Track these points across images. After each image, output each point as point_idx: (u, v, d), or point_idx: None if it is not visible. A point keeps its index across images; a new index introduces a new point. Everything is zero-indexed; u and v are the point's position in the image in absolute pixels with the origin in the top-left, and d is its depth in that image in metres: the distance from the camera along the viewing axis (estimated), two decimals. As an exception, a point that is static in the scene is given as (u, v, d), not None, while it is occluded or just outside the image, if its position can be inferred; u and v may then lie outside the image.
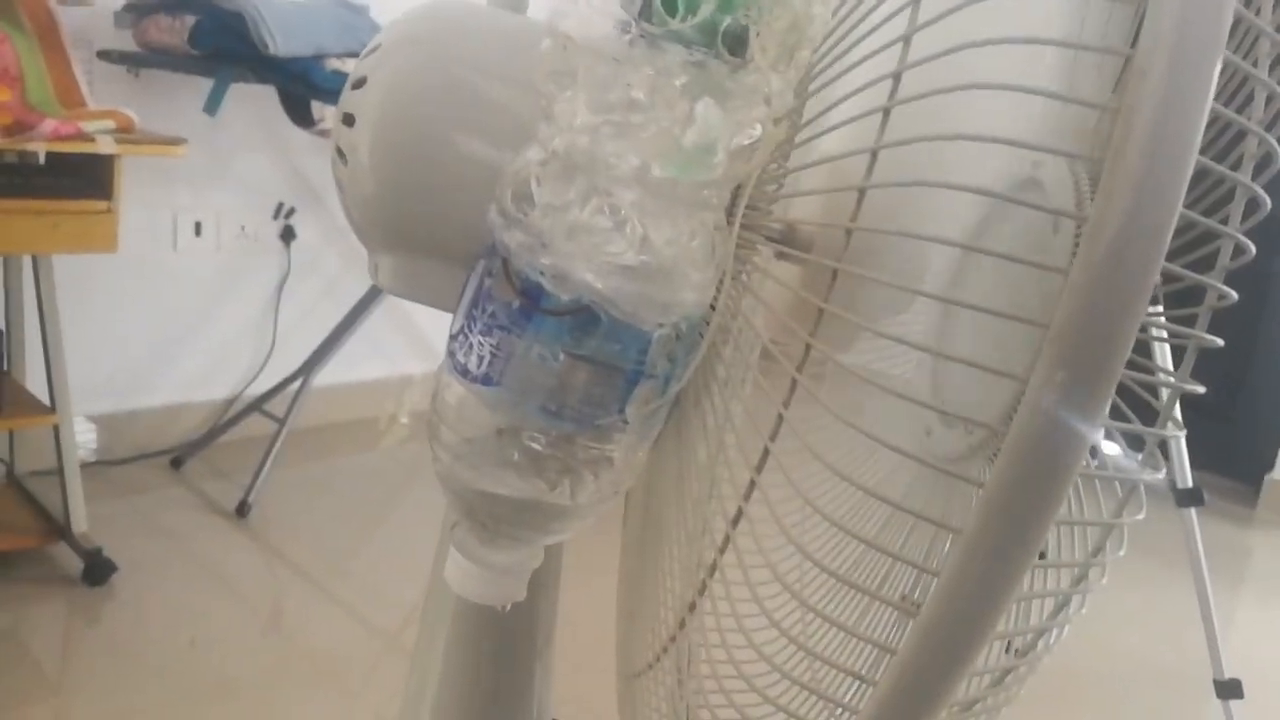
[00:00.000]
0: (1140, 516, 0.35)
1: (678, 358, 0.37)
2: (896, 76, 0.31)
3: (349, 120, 0.44)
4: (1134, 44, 0.26)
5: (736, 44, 0.34)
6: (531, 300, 0.35)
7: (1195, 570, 1.54)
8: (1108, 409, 0.27)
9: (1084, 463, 0.48)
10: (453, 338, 0.38)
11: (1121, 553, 0.35)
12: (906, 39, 0.31)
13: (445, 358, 0.38)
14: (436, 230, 0.45)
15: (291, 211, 2.25)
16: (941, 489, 0.53)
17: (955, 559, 0.27)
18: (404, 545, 2.02)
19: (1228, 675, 1.56)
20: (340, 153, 0.45)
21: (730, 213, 0.39)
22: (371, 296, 2.10)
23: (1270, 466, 3.04)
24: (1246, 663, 1.78)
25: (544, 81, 0.35)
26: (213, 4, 1.78)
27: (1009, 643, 0.43)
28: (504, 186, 0.36)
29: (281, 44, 1.73)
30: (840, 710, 0.34)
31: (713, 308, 0.39)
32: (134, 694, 1.45)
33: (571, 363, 0.35)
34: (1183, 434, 0.32)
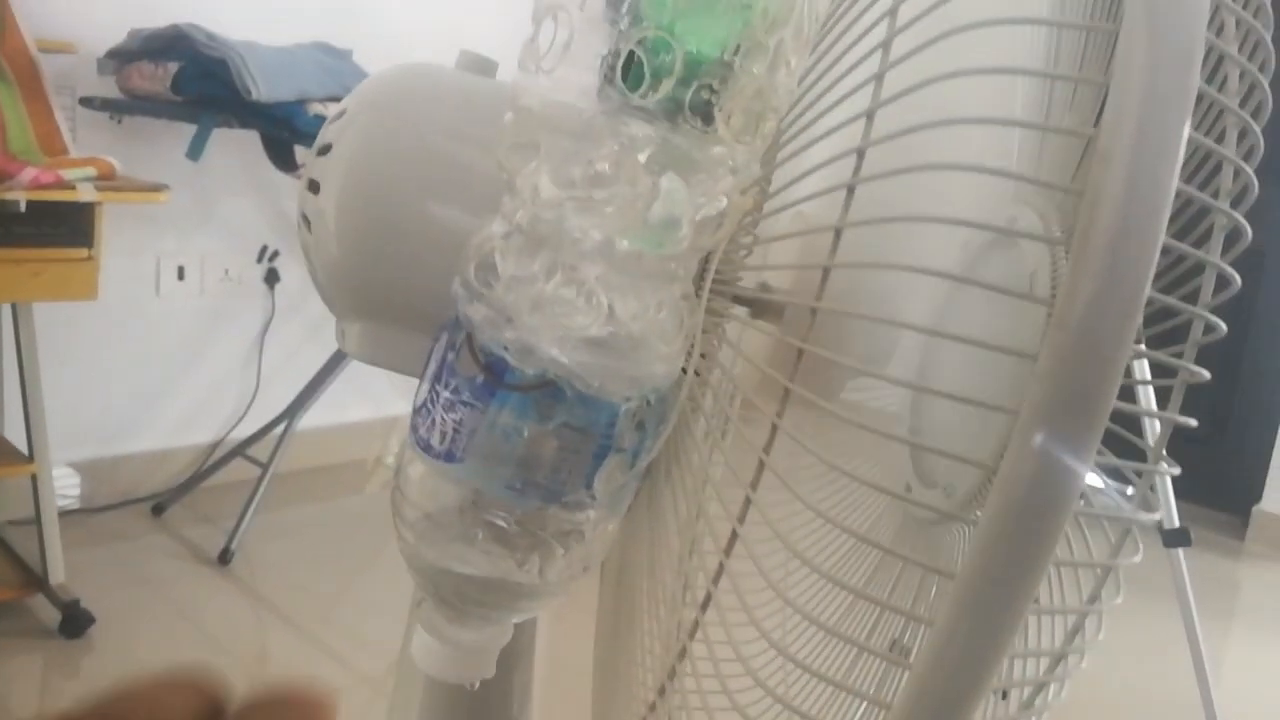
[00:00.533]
0: (1137, 559, 0.34)
1: (647, 429, 0.36)
2: (860, 153, 0.31)
3: (314, 187, 0.44)
4: (1097, 121, 0.25)
5: (702, 115, 0.33)
6: (495, 375, 0.34)
7: (1184, 613, 1.53)
8: (1083, 485, 0.27)
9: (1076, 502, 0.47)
10: (415, 412, 0.37)
11: (1119, 600, 0.34)
12: (870, 114, 0.31)
13: (409, 433, 0.37)
14: (402, 298, 0.44)
15: (275, 255, 2.24)
16: (923, 544, 0.52)
17: (949, 604, 0.26)
18: (390, 590, 1.99)
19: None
20: (305, 219, 0.44)
21: (699, 281, 0.38)
22: (356, 339, 2.08)
23: (1258, 498, 3.03)
24: (1236, 698, 1.76)
25: (506, 155, 0.34)
26: (196, 51, 1.79)
27: (1004, 692, 0.42)
28: (467, 259, 0.35)
29: (265, 90, 1.73)
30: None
31: (684, 374, 0.39)
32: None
33: (537, 438, 0.34)
34: (1176, 471, 0.31)
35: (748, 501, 0.40)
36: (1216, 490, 3.10)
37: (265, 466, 2.01)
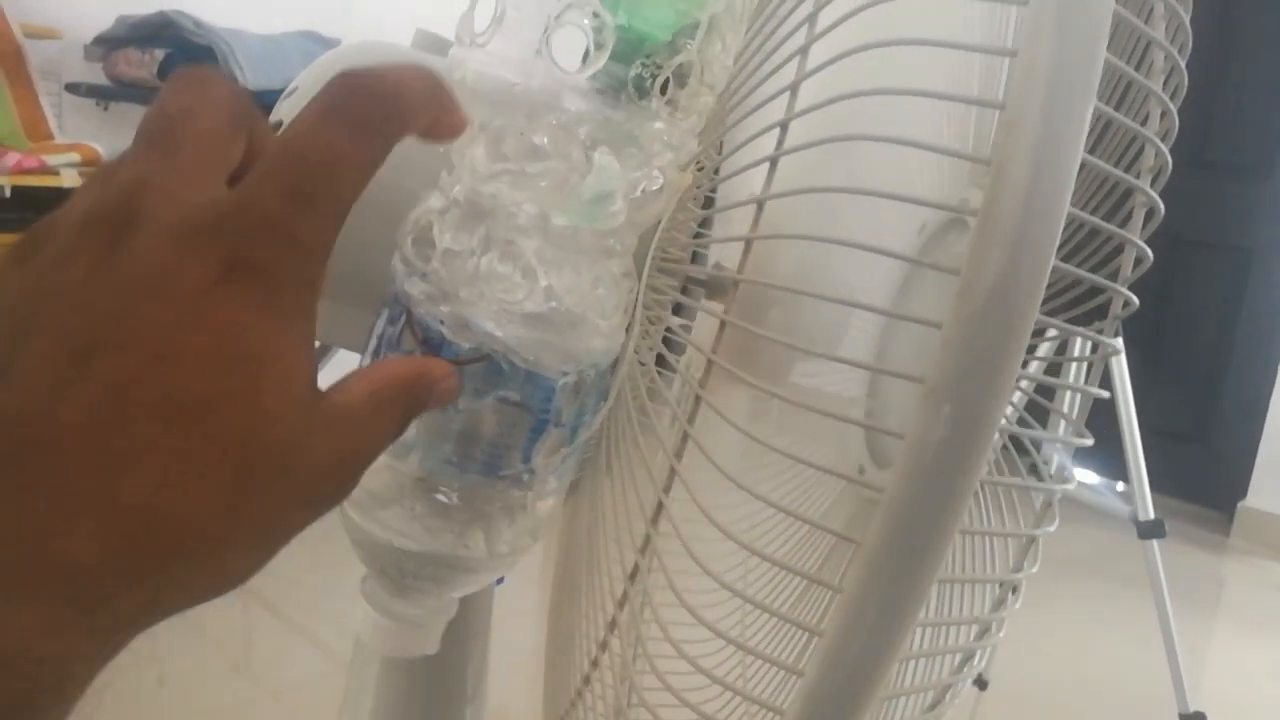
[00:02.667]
0: (1052, 528, 0.34)
1: (587, 405, 0.36)
2: (783, 126, 0.31)
3: (266, 164, 0.44)
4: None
5: (641, 93, 0.34)
6: (433, 349, 0.35)
7: (1158, 602, 1.54)
8: (987, 460, 0.27)
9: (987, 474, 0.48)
10: (358, 386, 0.37)
11: (1035, 569, 0.35)
12: (794, 88, 0.31)
13: (351, 407, 0.38)
14: (351, 273, 0.44)
15: (263, 243, 2.24)
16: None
17: (856, 571, 0.26)
18: (375, 580, 1.98)
19: (1192, 709, 1.56)
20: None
21: (640, 259, 0.38)
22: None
23: (1243, 494, 3.05)
24: (1218, 693, 1.77)
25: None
26: (183, 38, 1.78)
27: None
28: (405, 234, 0.35)
29: (252, 78, 1.73)
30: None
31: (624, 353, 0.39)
32: (93, 735, 1.42)
33: (474, 412, 0.35)
34: (1089, 441, 0.31)
35: (671, 471, 0.40)
36: (1202, 486, 3.11)
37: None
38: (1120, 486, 3.17)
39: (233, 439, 0.23)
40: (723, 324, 0.34)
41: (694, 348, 0.42)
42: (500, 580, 0.50)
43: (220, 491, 0.22)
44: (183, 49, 1.78)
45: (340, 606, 1.91)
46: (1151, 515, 1.52)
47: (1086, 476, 3.16)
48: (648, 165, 0.34)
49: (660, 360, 0.44)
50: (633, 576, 0.42)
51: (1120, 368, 1.56)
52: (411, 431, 0.35)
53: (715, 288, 0.45)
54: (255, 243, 0.23)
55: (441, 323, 0.34)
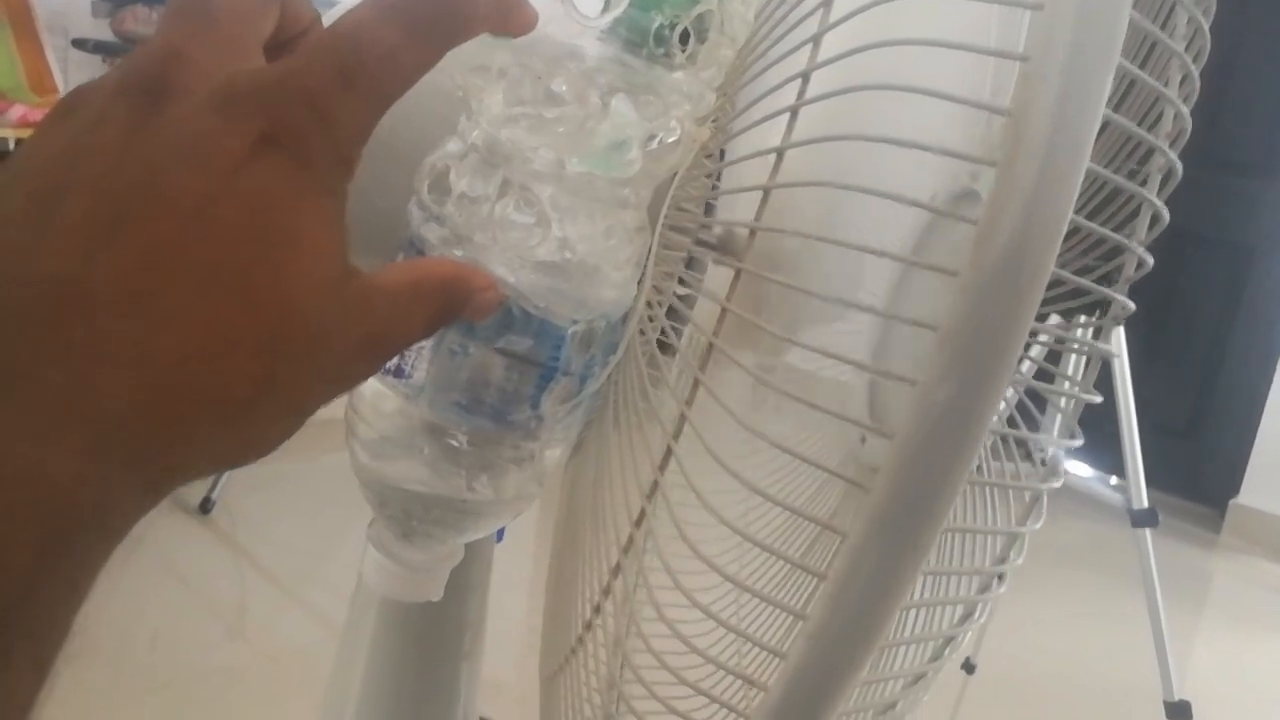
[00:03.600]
0: (1038, 526, 0.34)
1: (595, 356, 0.37)
2: (805, 76, 0.31)
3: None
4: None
5: (661, 43, 0.34)
6: (446, 293, 0.35)
7: (1148, 590, 1.55)
8: (998, 409, 0.27)
9: (995, 473, 0.48)
10: (370, 330, 0.37)
11: (1020, 561, 0.35)
12: (816, 39, 0.31)
13: (362, 350, 0.38)
14: (366, 221, 0.44)
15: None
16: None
17: (841, 562, 0.27)
18: (368, 547, 1.99)
19: (1179, 697, 1.57)
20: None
21: (655, 212, 0.38)
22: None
23: (1235, 491, 3.06)
24: (1204, 687, 1.78)
25: (464, 75, 0.34)
26: (190, -3, 1.77)
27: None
28: (421, 178, 0.35)
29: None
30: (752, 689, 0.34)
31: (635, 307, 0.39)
32: (92, 692, 1.43)
33: (485, 357, 0.35)
34: (1079, 442, 0.32)
35: (668, 451, 0.40)
36: (1194, 483, 3.12)
37: (248, 419, 2.01)
38: (1113, 480, 3.18)
39: (264, 308, 0.23)
40: (735, 280, 0.34)
41: (694, 326, 0.42)
42: (500, 534, 0.51)
43: (251, 358, 0.23)
44: (191, 8, 1.77)
45: (335, 572, 1.91)
46: (1145, 504, 1.53)
47: (1079, 469, 3.17)
48: (665, 115, 0.34)
49: (671, 317, 0.44)
50: (627, 549, 0.42)
51: (1120, 360, 1.57)
52: (422, 374, 0.35)
53: (726, 247, 0.45)
54: (293, 116, 0.23)
55: (455, 267, 0.34)
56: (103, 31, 1.88)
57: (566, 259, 0.35)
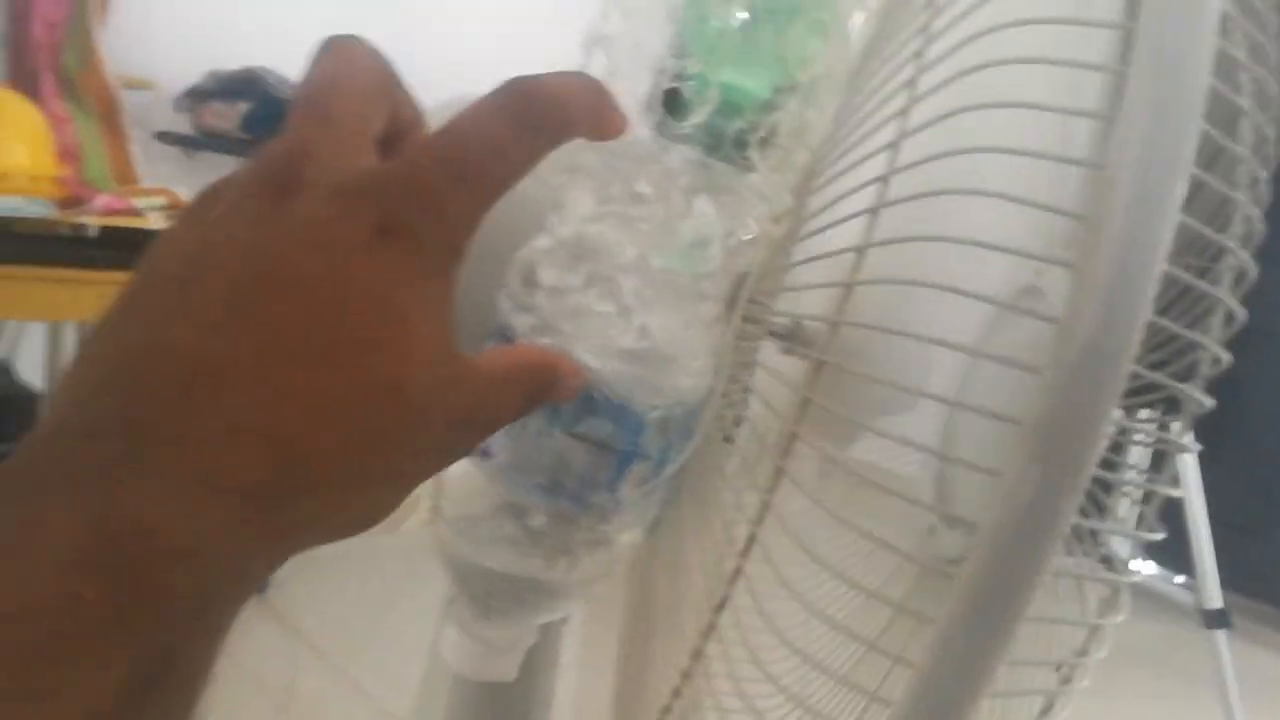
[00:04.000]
0: (1119, 619, 0.34)
1: (672, 441, 0.38)
2: (885, 179, 0.33)
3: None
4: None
5: (740, 148, 0.36)
6: (533, 380, 0.36)
7: (1223, 695, 1.49)
8: (1079, 501, 0.28)
9: (1073, 563, 0.48)
10: (457, 414, 0.39)
11: (1102, 654, 0.35)
12: (896, 144, 0.33)
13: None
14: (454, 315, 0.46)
15: (329, 292, 2.30)
16: (944, 589, 0.52)
17: (929, 649, 0.27)
18: (422, 630, 1.98)
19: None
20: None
21: (732, 305, 0.40)
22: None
23: (1307, 590, 2.94)
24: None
25: (554, 174, 0.37)
26: (267, 93, 1.86)
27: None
28: (513, 271, 0.37)
29: (330, 132, 1.80)
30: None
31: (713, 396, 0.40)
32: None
33: (567, 441, 0.36)
34: (1160, 536, 0.32)
35: (751, 539, 0.41)
36: (1263, 581, 3.01)
37: (305, 498, 2.03)
38: (1179, 579, 3.08)
39: (377, 383, 0.25)
40: (817, 371, 0.36)
41: (772, 411, 0.43)
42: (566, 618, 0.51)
43: (362, 430, 0.24)
44: (265, 102, 1.86)
45: (385, 652, 1.91)
46: (1219, 604, 1.48)
47: (1145, 567, 3.08)
48: (743, 215, 0.36)
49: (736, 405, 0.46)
50: (708, 635, 0.42)
51: (1188, 456, 1.54)
52: (506, 456, 0.37)
53: (796, 337, 0.46)
54: (407, 208, 0.25)
55: (542, 355, 0.36)
56: (183, 125, 1.97)
57: (646, 348, 0.36)
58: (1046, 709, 0.39)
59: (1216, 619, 1.48)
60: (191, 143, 1.97)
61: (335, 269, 0.24)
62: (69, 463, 0.22)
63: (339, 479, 0.25)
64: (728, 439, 0.45)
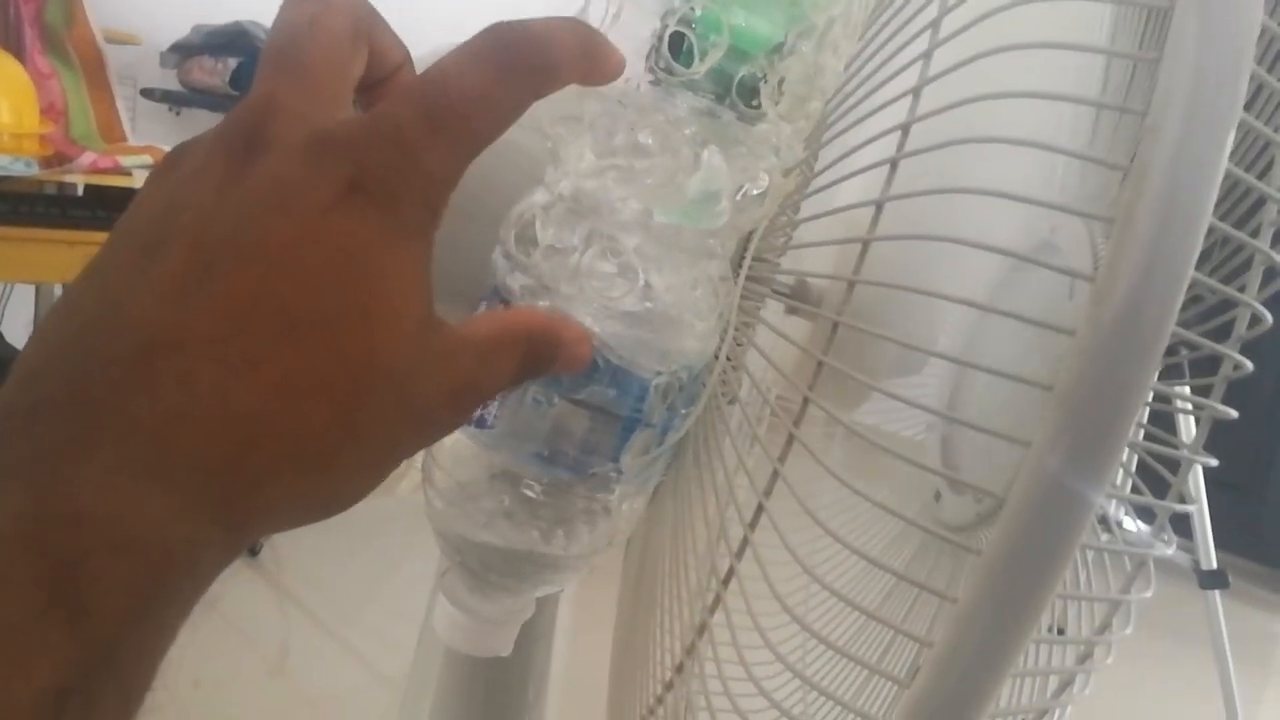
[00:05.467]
0: (1148, 594, 0.33)
1: (676, 407, 0.36)
2: (905, 129, 0.31)
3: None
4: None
5: (749, 95, 0.34)
6: (529, 343, 0.35)
7: (1219, 657, 1.49)
8: (1115, 475, 0.26)
9: (1090, 534, 0.47)
10: (450, 379, 0.37)
11: (1129, 630, 0.34)
12: (916, 91, 0.31)
13: (442, 399, 0.38)
14: (443, 270, 0.44)
15: (321, 253, 2.27)
16: (948, 557, 0.51)
17: (950, 629, 0.26)
18: (415, 594, 1.98)
19: (1252, 768, 1.50)
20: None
21: (737, 264, 0.38)
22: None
23: (1301, 551, 2.96)
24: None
25: (552, 125, 0.35)
26: (255, 47, 1.82)
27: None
28: (508, 228, 0.35)
29: (319, 89, 1.76)
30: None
31: (716, 359, 0.38)
32: (132, 730, 1.43)
33: (567, 408, 0.34)
34: (1193, 508, 0.30)
35: (760, 507, 0.39)
36: (1257, 541, 3.02)
37: (298, 461, 2.02)
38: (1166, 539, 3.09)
39: (347, 356, 0.23)
40: (832, 333, 0.34)
41: (785, 377, 0.42)
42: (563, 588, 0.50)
43: (332, 407, 0.23)
44: (254, 58, 1.81)
45: (377, 616, 1.91)
46: (1214, 565, 1.48)
47: (1134, 526, 3.09)
48: (753, 167, 0.34)
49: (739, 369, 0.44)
50: (714, 608, 0.41)
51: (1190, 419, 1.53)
52: (503, 425, 0.35)
53: (801, 297, 0.45)
54: (380, 163, 0.23)
55: (540, 317, 0.34)
56: (170, 81, 1.93)
57: (650, 309, 0.34)
58: (1062, 687, 0.38)
59: (1213, 579, 1.48)
60: (179, 99, 1.93)
61: (304, 232, 0.23)
62: (10, 447, 0.20)
63: (307, 462, 0.23)
64: (731, 401, 0.43)
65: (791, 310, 0.47)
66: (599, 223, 0.34)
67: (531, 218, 0.35)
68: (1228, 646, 1.49)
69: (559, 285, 0.34)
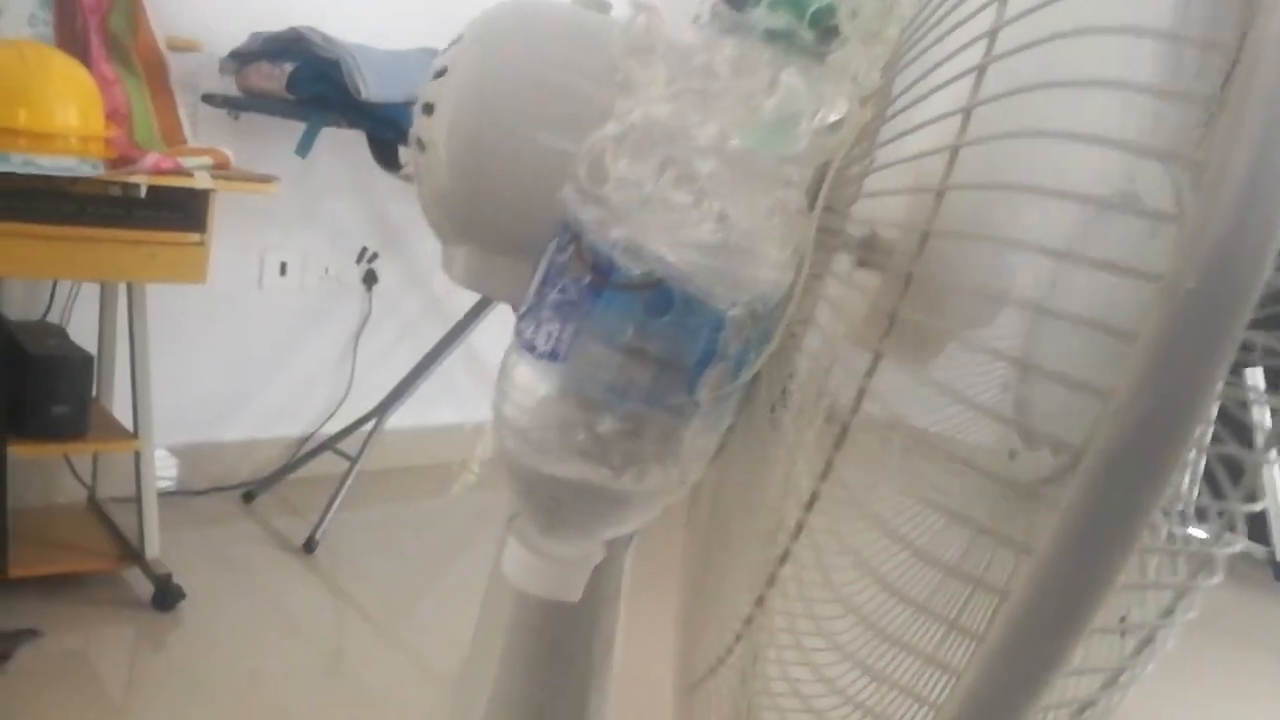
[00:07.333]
0: (1215, 581, 0.32)
1: (751, 341, 0.36)
2: (980, 70, 0.30)
3: (429, 109, 0.44)
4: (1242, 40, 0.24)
5: (828, 18, 0.33)
6: (602, 275, 0.34)
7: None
8: (1202, 432, 0.25)
9: (1169, 494, 0.45)
10: (521, 316, 0.37)
11: (1191, 614, 0.32)
12: (993, 34, 0.30)
13: (513, 337, 0.38)
14: (509, 224, 0.44)
15: (374, 256, 2.30)
16: (1023, 515, 0.50)
17: (1027, 581, 0.25)
18: (467, 593, 1.98)
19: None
20: (419, 142, 0.45)
21: (812, 200, 0.37)
22: (447, 342, 2.12)
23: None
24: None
25: (623, 56, 0.34)
26: (311, 52, 1.85)
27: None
28: (580, 161, 0.35)
29: (373, 89, 1.79)
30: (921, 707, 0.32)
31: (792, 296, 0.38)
32: (192, 723, 1.45)
33: (641, 339, 0.34)
34: (1260, 505, 0.29)
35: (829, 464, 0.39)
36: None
37: (353, 461, 2.05)
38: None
39: None
40: (907, 285, 0.33)
41: (848, 332, 0.41)
42: (632, 538, 0.50)
43: None
44: (310, 63, 1.84)
45: (430, 615, 1.92)
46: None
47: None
48: (830, 92, 0.33)
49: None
50: (784, 559, 0.40)
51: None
52: (575, 357, 0.35)
53: (871, 248, 0.44)
54: None
55: (613, 247, 0.34)
56: (229, 87, 1.97)
57: (725, 239, 0.34)
58: (1113, 679, 0.36)
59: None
60: (238, 104, 1.96)
61: None
62: None
63: None
64: (798, 349, 0.42)
65: (863, 263, 0.46)
66: (673, 150, 0.33)
67: (603, 150, 0.35)
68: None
69: (631, 215, 0.34)
